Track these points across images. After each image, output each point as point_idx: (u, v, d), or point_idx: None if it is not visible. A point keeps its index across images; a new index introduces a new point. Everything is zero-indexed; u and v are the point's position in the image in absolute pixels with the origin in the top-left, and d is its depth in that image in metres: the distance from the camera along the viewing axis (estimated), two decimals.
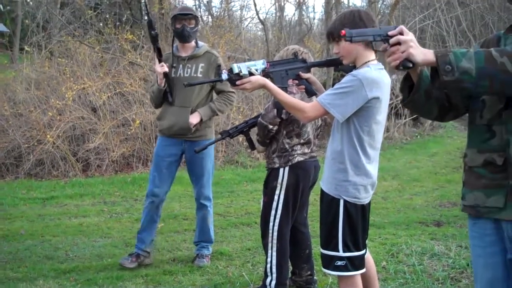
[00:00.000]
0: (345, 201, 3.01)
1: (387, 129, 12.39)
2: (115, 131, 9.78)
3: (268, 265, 3.98)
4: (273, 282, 3.94)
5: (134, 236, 5.77)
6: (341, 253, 3.04)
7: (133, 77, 10.72)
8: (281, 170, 3.91)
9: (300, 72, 3.37)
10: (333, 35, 3.03)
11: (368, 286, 3.36)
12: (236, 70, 3.10)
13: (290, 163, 3.90)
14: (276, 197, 3.93)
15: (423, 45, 17.43)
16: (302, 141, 3.93)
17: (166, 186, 4.94)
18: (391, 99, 12.40)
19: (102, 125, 9.62)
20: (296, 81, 3.38)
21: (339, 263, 3.05)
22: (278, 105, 3.64)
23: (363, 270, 3.13)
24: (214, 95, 4.92)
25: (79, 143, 9.67)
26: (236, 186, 8.66)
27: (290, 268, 4.19)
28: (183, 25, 4.71)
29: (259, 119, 3.91)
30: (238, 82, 3.10)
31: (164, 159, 4.86)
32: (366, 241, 3.32)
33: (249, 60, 13.12)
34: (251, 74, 3.11)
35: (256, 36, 22.97)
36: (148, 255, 4.93)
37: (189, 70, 4.75)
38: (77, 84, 10.14)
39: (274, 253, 3.95)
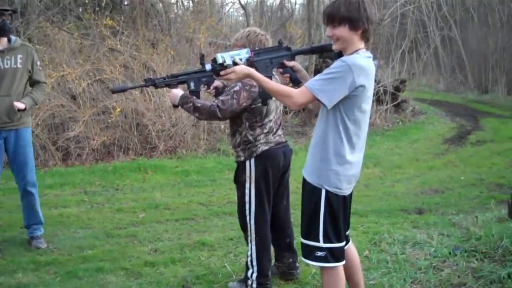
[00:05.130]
0: (326, 191, 2.97)
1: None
2: (95, 119, 9.66)
3: (249, 258, 3.95)
4: (255, 275, 3.91)
5: (115, 226, 5.76)
6: (321, 244, 3.00)
7: (113, 63, 10.57)
8: (247, 162, 3.85)
9: (285, 61, 3.32)
10: (333, 18, 2.90)
11: (352, 277, 3.34)
12: (220, 60, 3.04)
13: (254, 154, 3.84)
14: (247, 191, 3.88)
15: (404, 30, 17.38)
16: (265, 131, 3.86)
17: None
18: None
19: (82, 113, 9.48)
20: (281, 70, 3.33)
21: (319, 253, 3.01)
22: (264, 94, 3.55)
23: (343, 262, 3.10)
24: None
25: (59, 132, 9.52)
26: (218, 174, 8.61)
27: (274, 255, 4.19)
28: (3, 19, 4.90)
29: (215, 108, 3.68)
30: (222, 73, 3.04)
31: None
32: (349, 231, 3.30)
33: (231, 46, 13.01)
34: (235, 63, 3.06)
35: (237, 22, 22.86)
36: None
37: (8, 61, 4.93)
38: (56, 71, 9.98)
39: (254, 247, 3.93)
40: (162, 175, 8.36)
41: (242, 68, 3.03)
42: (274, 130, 3.93)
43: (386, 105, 14.15)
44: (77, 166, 8.87)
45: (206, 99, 4.27)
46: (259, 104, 3.75)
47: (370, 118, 3.25)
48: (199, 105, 3.68)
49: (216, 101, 3.74)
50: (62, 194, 7.29)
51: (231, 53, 3.12)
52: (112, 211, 6.38)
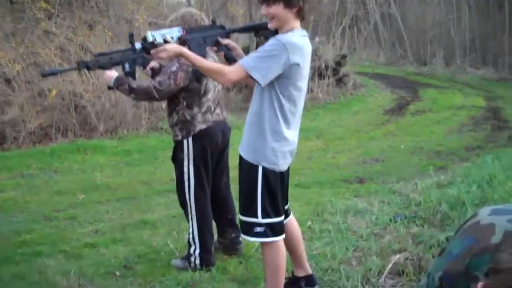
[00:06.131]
0: (263, 168, 2.95)
1: (311, 90, 12.51)
2: (32, 102, 9.41)
3: (191, 236, 3.94)
4: (197, 251, 3.90)
5: (54, 209, 5.60)
6: (260, 220, 2.99)
7: (48, 46, 10.27)
8: (185, 141, 3.82)
9: (219, 38, 3.26)
10: None
11: (294, 249, 3.36)
12: (150, 39, 2.96)
13: (192, 133, 3.80)
14: (186, 169, 3.85)
15: (344, 8, 17.52)
16: (203, 110, 3.82)
17: None
18: (313, 60, 12.49)
19: (16, 97, 9.22)
20: (215, 48, 3.27)
21: (258, 229, 3.01)
22: (197, 72, 3.50)
23: (283, 236, 3.10)
24: None
25: None
26: (160, 152, 8.48)
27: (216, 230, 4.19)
28: None
29: (151, 89, 3.61)
30: (152, 51, 2.95)
31: None
32: (288, 205, 3.30)
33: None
34: (166, 42, 2.98)
35: (178, 2, 22.46)
36: None
37: None
38: None
39: (195, 224, 3.92)
40: (102, 155, 8.19)
41: (173, 47, 2.95)
42: (212, 109, 3.89)
43: (328, 79, 14.28)
44: (13, 150, 8.62)
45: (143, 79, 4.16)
46: (197, 84, 3.70)
47: (312, 92, 3.25)
48: (135, 86, 3.59)
49: (153, 81, 3.66)
50: None
51: (162, 31, 3.04)
52: (50, 194, 6.19)
